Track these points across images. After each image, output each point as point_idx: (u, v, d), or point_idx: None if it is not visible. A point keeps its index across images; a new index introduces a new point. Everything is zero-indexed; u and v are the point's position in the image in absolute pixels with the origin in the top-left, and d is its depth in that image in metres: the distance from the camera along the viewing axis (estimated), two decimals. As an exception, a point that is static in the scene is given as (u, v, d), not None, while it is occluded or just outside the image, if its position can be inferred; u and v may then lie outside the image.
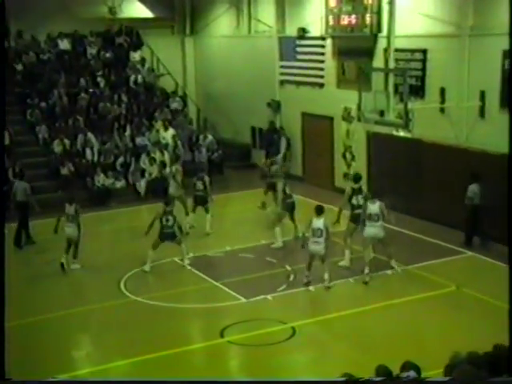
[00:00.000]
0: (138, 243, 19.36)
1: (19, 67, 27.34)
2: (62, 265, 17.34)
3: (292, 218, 19.08)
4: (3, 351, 8.44)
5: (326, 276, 15.70)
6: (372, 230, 16.19)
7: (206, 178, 20.19)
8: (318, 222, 15.51)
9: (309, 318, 14.47)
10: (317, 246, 15.58)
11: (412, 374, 7.89)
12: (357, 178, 17.71)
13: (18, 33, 28.20)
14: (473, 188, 17.99)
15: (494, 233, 17.31)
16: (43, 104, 26.28)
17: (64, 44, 28.76)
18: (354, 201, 17.05)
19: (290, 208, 19.01)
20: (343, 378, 7.83)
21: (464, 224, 18.34)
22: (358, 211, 16.83)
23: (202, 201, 20.07)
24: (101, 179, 23.56)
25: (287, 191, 19.04)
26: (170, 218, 17.16)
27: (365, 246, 16.38)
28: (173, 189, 20.58)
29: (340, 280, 16.30)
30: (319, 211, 15.66)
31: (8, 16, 27.51)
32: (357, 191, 17.20)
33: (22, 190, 19.87)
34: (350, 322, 14.38)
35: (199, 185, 20.05)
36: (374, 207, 16.16)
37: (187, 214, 20.33)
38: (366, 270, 16.04)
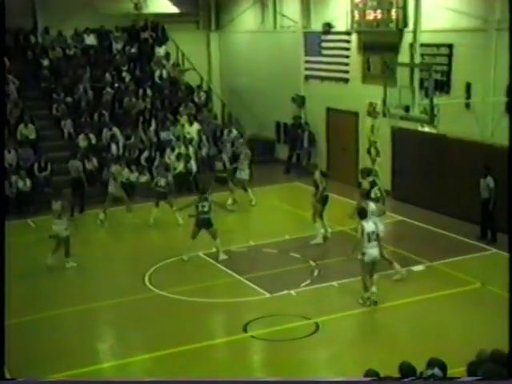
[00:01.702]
0: (163, 237, 19.46)
1: (45, 62, 27.51)
2: (49, 265, 17.17)
3: (321, 214, 18.77)
4: (3, 351, 8.51)
5: (374, 289, 14.67)
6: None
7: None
8: (371, 225, 14.56)
9: (332, 314, 14.42)
10: (375, 251, 14.56)
11: (437, 371, 7.85)
12: (369, 171, 18.04)
13: (45, 29, 28.41)
14: (484, 181, 18.00)
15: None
16: (69, 99, 26.43)
17: (90, 39, 28.93)
18: (372, 194, 17.05)
19: (324, 202, 18.74)
20: (368, 378, 7.78)
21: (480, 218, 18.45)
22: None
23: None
24: (125, 174, 23.61)
25: (324, 184, 18.76)
26: (206, 204, 17.43)
27: None
28: (112, 188, 21.22)
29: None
30: (363, 215, 14.78)
31: (35, 12, 27.88)
32: (373, 184, 17.29)
33: (75, 168, 22.28)
34: (373, 318, 14.37)
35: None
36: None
37: (128, 210, 21.32)
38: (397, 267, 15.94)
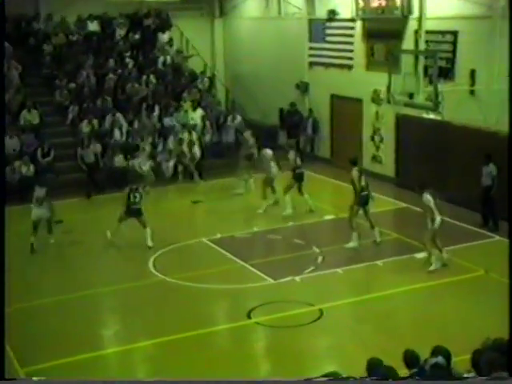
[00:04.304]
0: (165, 224, 19.46)
1: (48, 49, 27.43)
2: (31, 245, 17.49)
3: (300, 190, 19.66)
4: (3, 352, 8.55)
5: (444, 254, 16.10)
6: None
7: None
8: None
9: (336, 301, 14.44)
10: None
11: (440, 359, 7.84)
12: (355, 161, 17.68)
13: (47, 15, 28.31)
14: (486, 169, 18.02)
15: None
16: (71, 85, 26.34)
17: (93, 25, 28.81)
18: (363, 183, 17.04)
19: (298, 178, 19.65)
20: (375, 378, 7.72)
21: (481, 205, 18.53)
22: (364, 193, 17.02)
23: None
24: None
25: (298, 162, 19.74)
26: (137, 194, 17.75)
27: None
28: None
29: (368, 263, 16.29)
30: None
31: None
32: (361, 173, 17.24)
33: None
34: (377, 305, 14.34)
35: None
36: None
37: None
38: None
